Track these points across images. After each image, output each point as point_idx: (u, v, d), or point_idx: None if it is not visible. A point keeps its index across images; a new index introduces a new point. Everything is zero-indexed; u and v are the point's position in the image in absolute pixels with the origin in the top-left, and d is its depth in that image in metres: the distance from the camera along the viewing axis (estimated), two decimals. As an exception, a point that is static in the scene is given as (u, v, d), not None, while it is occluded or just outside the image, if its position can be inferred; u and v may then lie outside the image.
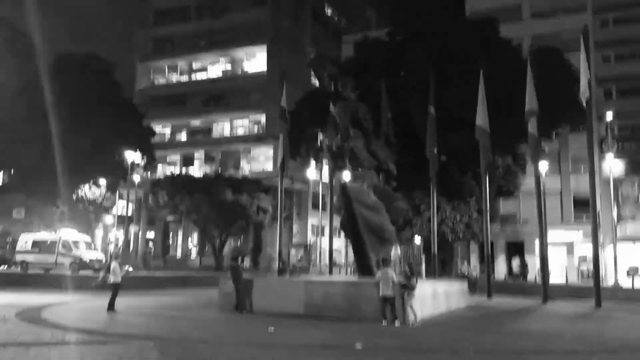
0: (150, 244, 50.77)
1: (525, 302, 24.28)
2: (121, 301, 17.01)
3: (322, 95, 35.03)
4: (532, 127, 25.15)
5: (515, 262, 36.29)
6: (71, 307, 18.51)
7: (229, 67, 54.21)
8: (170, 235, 50.07)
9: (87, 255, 32.35)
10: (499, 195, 34.60)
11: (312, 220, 52.69)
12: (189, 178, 39.64)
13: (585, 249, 40.55)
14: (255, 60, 52.83)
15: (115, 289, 16.78)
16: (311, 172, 38.87)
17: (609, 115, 35.74)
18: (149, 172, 47.04)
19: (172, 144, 53.74)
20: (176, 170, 52.58)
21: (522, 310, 20.78)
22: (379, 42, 33.71)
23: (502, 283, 31.61)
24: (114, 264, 17.16)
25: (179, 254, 51.14)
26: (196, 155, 54.15)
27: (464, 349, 11.56)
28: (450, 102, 29.99)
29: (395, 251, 19.18)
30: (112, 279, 16.88)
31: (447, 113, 29.67)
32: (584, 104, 23.17)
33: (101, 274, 27.51)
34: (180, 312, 17.27)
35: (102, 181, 42.37)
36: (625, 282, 33.84)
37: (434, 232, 26.85)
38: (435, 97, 27.72)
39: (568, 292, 28.52)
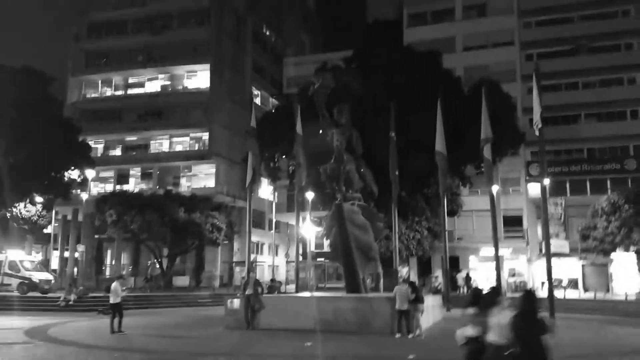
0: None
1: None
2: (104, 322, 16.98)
3: (279, 117, 36.13)
4: (487, 152, 27.45)
5: (460, 276, 38.81)
6: (69, 328, 18.14)
7: (167, 83, 53.67)
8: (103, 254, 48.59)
9: (36, 275, 31.02)
10: (448, 215, 36.94)
11: (253, 238, 53.02)
12: (138, 195, 38.85)
13: (513, 263, 44.07)
14: (196, 78, 52.72)
15: (117, 310, 16.72)
16: (266, 191, 39.54)
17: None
18: (84, 190, 45.40)
19: (105, 160, 52.11)
20: (109, 187, 51.11)
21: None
22: (336, 69, 35.23)
23: (452, 296, 33.78)
24: (114, 285, 17.12)
25: (107, 273, 49.53)
26: (132, 172, 52.89)
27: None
28: (403, 129, 31.94)
29: (403, 268, 20.50)
30: (112, 299, 16.84)
31: (402, 139, 31.57)
32: (537, 133, 25.75)
33: (63, 294, 26.99)
34: (186, 331, 17.52)
35: (38, 199, 40.49)
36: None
37: (396, 248, 28.43)
38: (395, 124, 29.42)
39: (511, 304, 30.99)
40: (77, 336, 15.59)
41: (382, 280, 30.59)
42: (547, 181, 36.58)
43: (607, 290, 39.05)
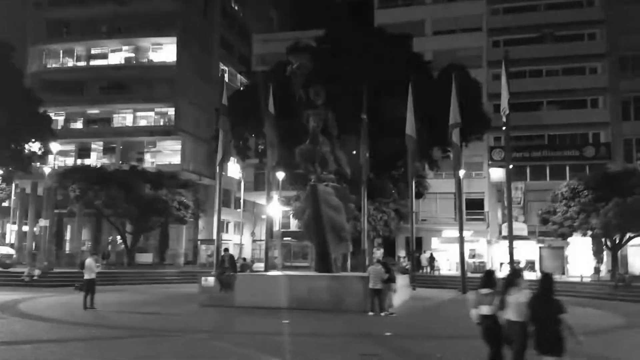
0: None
1: (448, 293, 27.20)
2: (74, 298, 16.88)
3: (249, 96, 35.87)
4: (455, 137, 28.20)
5: (424, 256, 39.69)
6: (40, 303, 17.88)
7: (131, 55, 52.37)
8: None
9: (-4, 251, 30.31)
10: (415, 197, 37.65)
11: (223, 216, 52.79)
12: (102, 170, 38.06)
13: (474, 245, 45.25)
14: (161, 52, 51.58)
15: (91, 285, 16.62)
16: (234, 170, 39.33)
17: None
18: (45, 163, 44.18)
19: (66, 133, 50.65)
20: (69, 161, 49.91)
21: (457, 300, 23.45)
22: (310, 48, 35.07)
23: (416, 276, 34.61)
24: (88, 260, 16.99)
25: (67, 249, 48.59)
26: (93, 146, 51.71)
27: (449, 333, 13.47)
28: (374, 111, 32.21)
29: (379, 250, 21.01)
30: (87, 275, 16.71)
31: (372, 121, 31.85)
32: (504, 119, 26.41)
33: (27, 269, 26.48)
34: (160, 308, 17.53)
35: (-3, 171, 39.31)
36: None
37: (364, 229, 28.89)
38: (367, 107, 29.62)
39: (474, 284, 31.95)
40: (50, 312, 15.43)
41: (349, 260, 31.22)
42: (510, 166, 37.80)
43: (563, 273, 40.62)
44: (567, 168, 43.01)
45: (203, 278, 18.34)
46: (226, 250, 19.87)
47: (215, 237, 50.68)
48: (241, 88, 56.83)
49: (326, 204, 20.22)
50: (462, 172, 31.48)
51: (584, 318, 17.18)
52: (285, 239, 47.87)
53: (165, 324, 14.08)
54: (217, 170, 29.95)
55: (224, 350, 10.46)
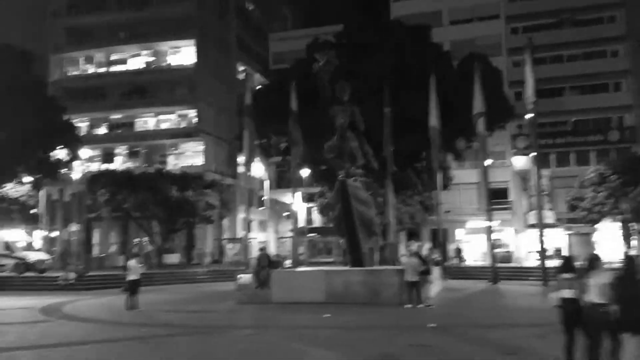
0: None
1: (479, 283, 27.20)
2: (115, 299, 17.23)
3: (269, 94, 36.05)
4: (480, 127, 28.10)
5: (452, 248, 39.67)
6: (82, 306, 18.31)
7: (151, 59, 52.96)
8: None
9: (31, 255, 30.98)
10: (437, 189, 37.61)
11: (242, 215, 53.27)
12: (129, 174, 38.62)
13: (500, 235, 45.00)
14: (180, 55, 52.05)
15: (135, 286, 17.00)
16: (255, 169, 39.54)
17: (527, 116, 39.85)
18: (71, 169, 44.96)
19: (90, 139, 51.45)
20: (94, 167, 50.67)
21: (489, 290, 23.48)
22: (329, 44, 35.14)
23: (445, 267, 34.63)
24: (132, 262, 17.37)
25: (96, 252, 49.42)
26: (117, 150, 52.43)
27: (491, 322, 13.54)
28: (395, 105, 32.21)
29: (415, 243, 21.32)
30: (131, 276, 17.09)
31: (394, 115, 31.85)
32: (530, 107, 26.32)
33: (62, 273, 27.05)
34: (200, 306, 17.86)
35: (26, 179, 40.10)
36: (530, 264, 38.53)
37: (390, 223, 28.95)
38: (390, 101, 29.62)
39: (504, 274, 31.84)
40: (95, 313, 15.83)
41: (377, 253, 31.31)
42: (535, 154, 37.57)
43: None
44: (592, 154, 42.61)
45: (239, 275, 18.61)
46: (262, 249, 20.11)
47: (240, 235, 51.70)
48: (257, 87, 57.30)
49: (356, 199, 20.34)
50: (488, 163, 31.31)
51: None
52: (310, 235, 48.15)
53: (210, 321, 14.37)
54: (245, 171, 30.22)
55: (273, 344, 10.68)
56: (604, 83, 44.03)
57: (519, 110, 39.53)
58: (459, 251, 38.57)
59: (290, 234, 53.23)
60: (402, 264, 16.76)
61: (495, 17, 46.36)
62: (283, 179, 50.51)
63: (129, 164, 50.21)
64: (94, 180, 37.86)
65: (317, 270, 19.64)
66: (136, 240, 50.33)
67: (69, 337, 11.80)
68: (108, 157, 52.09)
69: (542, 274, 25.11)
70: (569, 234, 42.44)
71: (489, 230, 29.05)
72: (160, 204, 35.96)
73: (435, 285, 22.12)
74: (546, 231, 40.90)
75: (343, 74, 30.01)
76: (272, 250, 53.86)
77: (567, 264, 7.92)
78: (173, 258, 46.74)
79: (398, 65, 33.67)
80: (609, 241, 40.36)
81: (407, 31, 37.13)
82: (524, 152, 43.74)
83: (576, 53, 44.66)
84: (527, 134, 44.30)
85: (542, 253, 26.13)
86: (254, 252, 50.13)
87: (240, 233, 52.88)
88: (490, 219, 28.49)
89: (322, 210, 37.44)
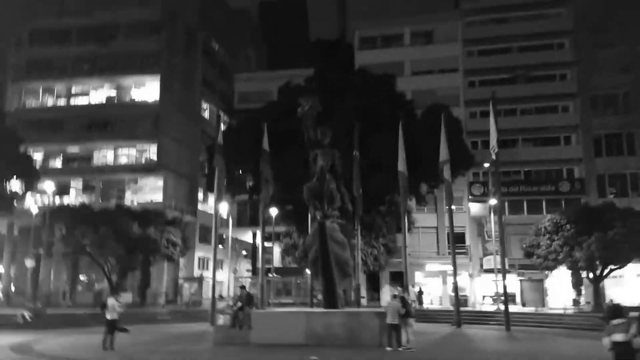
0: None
1: (442, 327, 27.67)
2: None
3: (237, 134, 36.38)
4: (446, 174, 29.14)
5: (413, 291, 40.11)
6: (55, 345, 17.65)
7: (113, 93, 52.49)
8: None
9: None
10: (399, 232, 38.40)
11: (199, 253, 52.54)
12: (88, 209, 37.67)
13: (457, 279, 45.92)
14: (144, 90, 51.87)
15: (113, 326, 16.60)
16: (223, 207, 39.36)
17: (486, 165, 41.54)
18: (24, 203, 43.53)
19: (44, 171, 50.03)
20: (46, 200, 49.13)
21: (457, 334, 23.95)
22: (300, 88, 36.02)
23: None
24: (110, 301, 16.99)
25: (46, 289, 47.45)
26: (73, 183, 51.12)
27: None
28: (362, 149, 33.09)
29: (395, 286, 21.58)
30: (109, 315, 16.69)
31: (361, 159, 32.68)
32: (493, 157, 27.60)
33: (21, 311, 25.99)
34: (178, 347, 17.54)
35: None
36: (485, 308, 39.57)
37: (358, 265, 29.35)
38: (359, 144, 30.44)
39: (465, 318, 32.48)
40: (74, 353, 15.34)
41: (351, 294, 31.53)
42: (494, 201, 38.98)
43: (543, 305, 41.67)
44: (544, 203, 44.57)
45: (218, 316, 18.44)
46: (243, 287, 20.01)
47: (196, 274, 50.80)
48: (223, 127, 57.45)
49: (333, 240, 20.68)
50: (450, 207, 32.27)
51: (586, 349, 17.89)
52: (270, 275, 47.88)
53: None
54: (215, 208, 30.20)
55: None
56: (555, 137, 46.48)
57: (476, 158, 41.42)
58: (420, 294, 39.18)
59: (248, 273, 52.93)
60: (384, 307, 17.05)
61: (454, 70, 48.57)
62: (243, 218, 50.37)
63: (84, 199, 49.03)
64: (52, 214, 36.70)
65: (297, 311, 19.67)
66: (84, 277, 48.84)
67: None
68: (62, 190, 50.63)
69: (505, 318, 25.87)
70: (521, 280, 43.89)
71: (454, 273, 29.70)
72: (119, 241, 35.13)
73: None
74: (499, 276, 42.43)
75: (312, 117, 30.84)
76: (227, 289, 53.26)
77: (617, 310, 8.80)
78: (126, 297, 45.34)
79: (365, 110, 34.81)
80: (560, 288, 42.09)
81: (374, 79, 38.57)
82: (479, 198, 45.40)
83: (530, 107, 47.11)
84: (483, 181, 46.21)
85: (504, 297, 26.92)
86: (210, 293, 49.73)
87: (196, 272, 52.02)
88: (454, 263, 29.22)
89: (288, 250, 37.51)
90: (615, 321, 8.54)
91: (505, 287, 26.82)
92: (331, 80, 36.13)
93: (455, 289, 29.42)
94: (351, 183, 26.47)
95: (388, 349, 16.36)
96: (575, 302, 40.77)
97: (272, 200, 31.87)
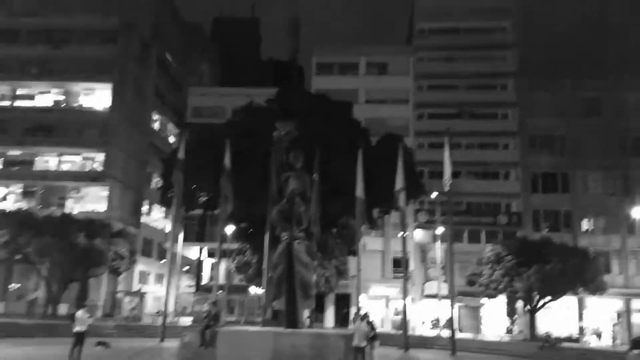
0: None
1: (390, 349, 28.55)
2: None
3: (202, 150, 36.37)
4: (402, 201, 30.36)
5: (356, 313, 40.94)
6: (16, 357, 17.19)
7: (60, 98, 51.02)
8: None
9: None
10: (349, 254, 39.36)
11: (140, 267, 51.40)
12: (31, 216, 36.29)
13: (399, 303, 47.33)
14: (93, 97, 50.74)
15: (81, 339, 16.42)
16: (156, 220, 39.00)
17: (434, 194, 43.22)
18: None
19: (-20, 174, 47.96)
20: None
21: (409, 358, 24.86)
22: (261, 109, 36.50)
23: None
24: (80, 313, 16.82)
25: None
26: (11, 188, 49.06)
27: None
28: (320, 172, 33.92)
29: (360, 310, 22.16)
30: (77, 327, 16.51)
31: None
32: (446, 189, 29.08)
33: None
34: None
35: None
36: (427, 333, 41.05)
37: (316, 285, 29.84)
38: (318, 168, 31.13)
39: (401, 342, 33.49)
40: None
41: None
42: (441, 229, 40.64)
43: (478, 331, 43.59)
44: (483, 233, 46.84)
45: (183, 334, 18.50)
46: (215, 303, 20.09)
47: (135, 288, 49.64)
48: (172, 140, 57.02)
49: (299, 262, 21.20)
50: (404, 233, 33.40)
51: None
52: (218, 292, 47.52)
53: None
54: (172, 223, 30.09)
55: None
56: (496, 172, 49.10)
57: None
58: (365, 316, 39.95)
59: (190, 289, 52.25)
60: (351, 329, 17.71)
61: (405, 101, 50.56)
62: (189, 233, 49.89)
63: (22, 205, 47.09)
64: (-7, 220, 35.21)
65: (265, 330, 19.90)
66: (14, 285, 46.66)
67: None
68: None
69: (452, 344, 27.04)
70: (459, 306, 45.71)
71: (403, 297, 30.73)
72: (64, 251, 34.12)
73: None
74: (439, 302, 44.08)
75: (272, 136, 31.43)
76: (169, 304, 52.28)
77: (638, 342, 9.97)
78: (62, 309, 43.78)
79: (324, 134, 35.71)
80: (494, 316, 44.23)
81: (331, 104, 39.63)
82: (425, 226, 47.17)
83: (473, 142, 49.58)
84: (429, 209, 48.05)
85: (451, 323, 28.14)
86: (150, 307, 48.70)
87: (136, 286, 50.83)
88: (405, 287, 30.26)
89: (240, 268, 37.59)
90: (636, 351, 9.68)
91: (452, 314, 28.05)
92: (292, 103, 36.82)
93: (404, 312, 30.40)
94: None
95: (354, 370, 16.98)
96: (509, 331, 42.95)
97: (230, 217, 32.02)
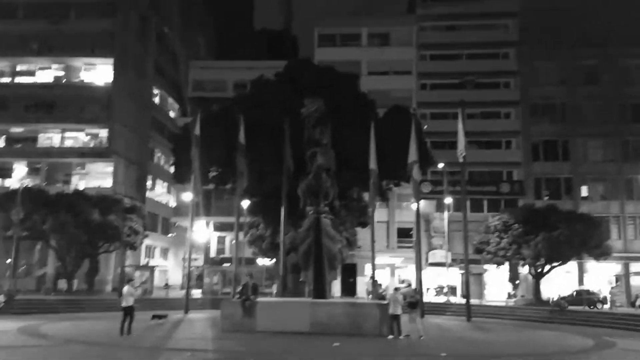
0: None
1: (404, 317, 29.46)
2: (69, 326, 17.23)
3: (213, 124, 36.52)
4: (415, 174, 30.93)
5: (369, 283, 41.92)
6: (61, 329, 17.77)
7: (61, 74, 50.61)
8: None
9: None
10: (359, 226, 40.09)
11: (146, 241, 51.83)
12: (45, 194, 36.47)
13: (403, 272, 48.44)
14: (94, 72, 50.41)
15: (129, 312, 17.04)
16: (160, 194, 39.29)
17: (440, 165, 43.79)
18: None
19: (-16, 151, 47.77)
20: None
21: (429, 324, 25.71)
22: (271, 83, 36.60)
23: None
24: (127, 288, 17.40)
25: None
26: (16, 165, 49.02)
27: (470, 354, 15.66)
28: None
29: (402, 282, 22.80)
30: (124, 302, 17.09)
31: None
32: (460, 160, 29.67)
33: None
34: (193, 333, 18.20)
35: None
36: (435, 299, 42.17)
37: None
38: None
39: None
40: (94, 337, 15.74)
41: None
42: (450, 199, 41.37)
43: (481, 297, 44.82)
44: (485, 202, 47.78)
45: (224, 304, 19.18)
46: (250, 275, 20.72)
47: (143, 262, 50.20)
48: (172, 114, 56.90)
49: (326, 235, 21.88)
50: (418, 204, 34.09)
51: (559, 339, 20.12)
52: (225, 264, 48.40)
53: (224, 346, 15.03)
54: (192, 199, 30.59)
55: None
56: (497, 141, 49.75)
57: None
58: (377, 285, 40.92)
59: (198, 262, 52.93)
60: (387, 298, 18.47)
61: (407, 72, 50.74)
62: (197, 207, 50.23)
63: (27, 182, 47.12)
64: (8, 197, 35.34)
65: (301, 301, 20.67)
66: (22, 262, 47.00)
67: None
68: (4, 172, 48.46)
69: (466, 310, 28.01)
70: (462, 273, 46.85)
71: (418, 265, 31.60)
72: (79, 227, 34.48)
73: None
74: (443, 270, 45.19)
75: (285, 111, 31.78)
76: (176, 278, 53.09)
77: None
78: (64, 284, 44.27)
79: (334, 107, 35.99)
80: (497, 282, 45.51)
81: (340, 77, 39.79)
82: (428, 196, 47.91)
83: (476, 112, 50.04)
84: (433, 180, 48.76)
85: (466, 290, 29.08)
86: (157, 280, 49.33)
87: (143, 260, 51.43)
88: (419, 255, 31.05)
89: (254, 241, 38.22)
90: None
91: (467, 281, 29.04)
92: (300, 75, 36.97)
93: (420, 281, 31.26)
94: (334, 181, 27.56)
95: (390, 337, 17.75)
96: (511, 296, 44.20)
97: (247, 191, 32.47)
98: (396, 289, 19.04)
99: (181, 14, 63.90)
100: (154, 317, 22.04)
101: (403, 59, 50.84)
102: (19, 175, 48.19)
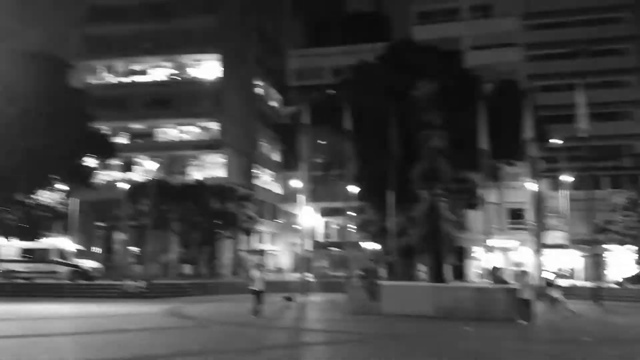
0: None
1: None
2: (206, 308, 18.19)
3: (320, 111, 37.16)
4: (531, 151, 29.77)
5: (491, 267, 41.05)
6: (204, 312, 19.15)
7: (173, 71, 53.49)
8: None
9: (85, 264, 31.36)
10: (468, 207, 39.29)
11: (262, 228, 53.89)
12: (168, 184, 39.07)
13: (516, 254, 46.85)
14: (202, 68, 52.78)
15: (261, 295, 17.98)
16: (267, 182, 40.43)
17: (554, 140, 41.76)
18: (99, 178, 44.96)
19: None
20: (116, 175, 50.72)
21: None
22: (373, 66, 36.59)
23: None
24: (255, 273, 18.35)
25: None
26: (137, 160, 52.60)
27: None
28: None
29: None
30: (256, 286, 18.03)
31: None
32: (585, 134, 28.07)
33: (127, 282, 27.52)
34: (324, 316, 19.00)
35: (59, 186, 40.12)
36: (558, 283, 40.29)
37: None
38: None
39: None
40: (240, 318, 16.98)
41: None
42: (568, 177, 39.34)
43: (601, 280, 42.27)
44: (606, 179, 44.93)
45: (350, 287, 19.74)
46: (372, 260, 21.22)
47: (256, 247, 52.28)
48: (275, 104, 58.21)
49: (443, 219, 21.71)
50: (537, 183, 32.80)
51: None
52: (330, 248, 49.30)
53: (360, 328, 15.53)
54: (303, 186, 31.42)
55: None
56: (615, 112, 46.53)
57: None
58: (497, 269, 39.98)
59: (310, 247, 54.37)
60: (516, 283, 18.11)
61: (512, 45, 48.60)
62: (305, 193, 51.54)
63: (154, 174, 50.35)
64: (138, 189, 38.14)
65: (425, 285, 20.74)
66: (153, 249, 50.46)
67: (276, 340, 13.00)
68: (128, 166, 52.13)
69: (595, 293, 26.69)
70: (583, 256, 44.50)
71: (537, 248, 30.50)
72: (202, 215, 36.57)
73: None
74: (559, 252, 43.17)
75: (392, 94, 31.57)
76: (285, 262, 54.81)
77: None
78: (188, 269, 47.02)
79: (440, 87, 35.29)
80: (619, 264, 42.79)
81: (443, 56, 38.91)
82: (542, 174, 45.76)
83: (589, 82, 46.88)
84: (547, 157, 46.55)
85: (598, 273, 27.68)
86: (271, 265, 51.21)
87: (256, 245, 53.52)
88: (539, 237, 29.95)
89: (362, 226, 38.68)
90: None
91: (596, 263, 27.66)
92: (404, 56, 36.54)
93: (540, 264, 30.19)
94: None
95: (523, 322, 17.25)
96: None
97: (355, 177, 32.88)
98: (523, 272, 18.52)
99: (274, 3, 64.98)
100: (284, 298, 23.23)
101: (506, 30, 48.76)
102: (144, 169, 51.58)
